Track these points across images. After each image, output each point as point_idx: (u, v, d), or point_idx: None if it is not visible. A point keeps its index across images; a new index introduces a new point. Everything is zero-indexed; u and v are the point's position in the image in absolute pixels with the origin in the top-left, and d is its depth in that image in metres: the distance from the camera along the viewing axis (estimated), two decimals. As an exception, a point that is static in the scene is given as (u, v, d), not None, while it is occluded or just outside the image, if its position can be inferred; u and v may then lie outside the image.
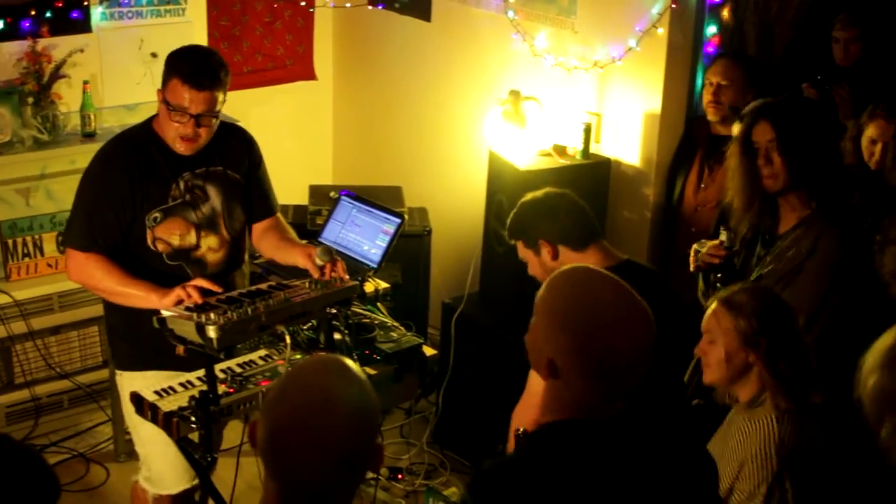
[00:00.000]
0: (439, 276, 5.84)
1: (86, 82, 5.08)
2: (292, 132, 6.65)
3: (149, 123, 3.84)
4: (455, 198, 5.92)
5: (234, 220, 3.94)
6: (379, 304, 4.27)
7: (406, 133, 6.32)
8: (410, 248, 5.45)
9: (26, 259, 5.25)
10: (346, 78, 6.70)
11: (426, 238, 5.59)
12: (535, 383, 3.32)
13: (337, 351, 3.66)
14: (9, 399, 5.23)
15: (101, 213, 3.75)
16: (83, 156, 5.13)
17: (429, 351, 4.12)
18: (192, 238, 3.84)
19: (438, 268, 5.78)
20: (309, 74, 6.61)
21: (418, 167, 6.23)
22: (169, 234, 3.80)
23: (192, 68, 3.65)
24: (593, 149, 5.02)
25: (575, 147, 4.99)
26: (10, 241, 5.20)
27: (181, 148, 3.74)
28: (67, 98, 5.16)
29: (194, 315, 3.27)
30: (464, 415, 5.24)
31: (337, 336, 3.73)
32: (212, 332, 3.19)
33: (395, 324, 4.13)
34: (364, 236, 4.61)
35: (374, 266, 4.46)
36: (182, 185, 3.80)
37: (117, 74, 5.34)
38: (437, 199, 5.94)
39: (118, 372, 4.00)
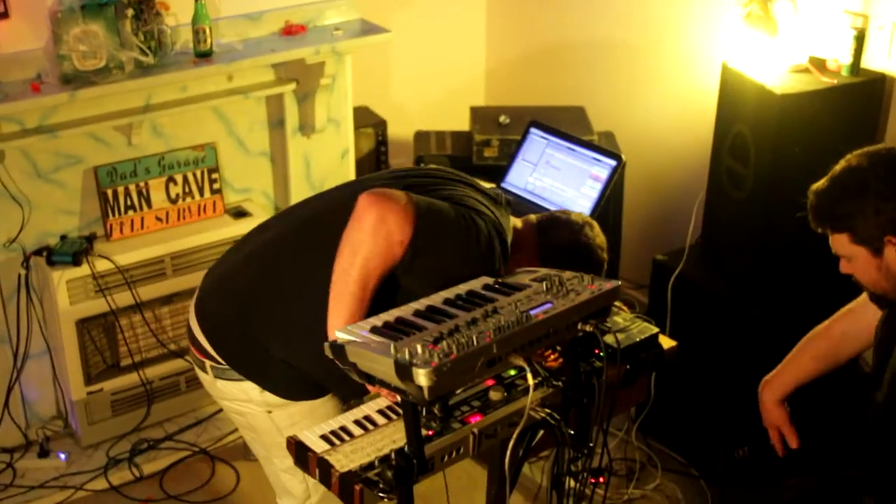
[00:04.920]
0: (636, 223, 4.75)
1: (198, -13, 4.03)
2: (438, 39, 5.72)
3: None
4: (654, 123, 4.87)
5: None
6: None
7: (578, 39, 5.28)
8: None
9: (130, 212, 4.28)
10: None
11: (619, 171, 4.44)
12: None
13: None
14: (116, 384, 4.38)
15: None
16: (197, 82, 4.26)
17: (666, 342, 3.07)
18: None
19: (632, 211, 4.67)
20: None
21: (596, 81, 5.20)
22: None
23: None
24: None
25: (837, 60, 3.79)
26: (108, 192, 4.21)
27: None
28: (176, 8, 4.14)
29: (392, 345, 2.15)
30: (681, 403, 4.22)
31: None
32: (423, 378, 2.07)
33: (618, 304, 3.04)
34: (566, 183, 3.66)
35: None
36: None
37: (235, -27, 4.31)
38: (627, 123, 4.87)
39: (279, 403, 2.91)
